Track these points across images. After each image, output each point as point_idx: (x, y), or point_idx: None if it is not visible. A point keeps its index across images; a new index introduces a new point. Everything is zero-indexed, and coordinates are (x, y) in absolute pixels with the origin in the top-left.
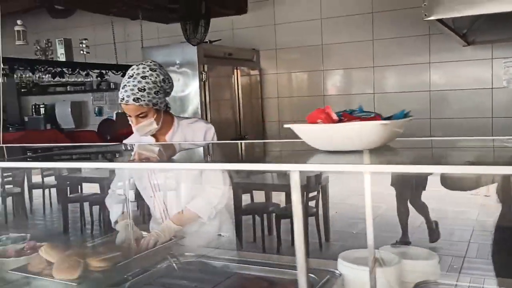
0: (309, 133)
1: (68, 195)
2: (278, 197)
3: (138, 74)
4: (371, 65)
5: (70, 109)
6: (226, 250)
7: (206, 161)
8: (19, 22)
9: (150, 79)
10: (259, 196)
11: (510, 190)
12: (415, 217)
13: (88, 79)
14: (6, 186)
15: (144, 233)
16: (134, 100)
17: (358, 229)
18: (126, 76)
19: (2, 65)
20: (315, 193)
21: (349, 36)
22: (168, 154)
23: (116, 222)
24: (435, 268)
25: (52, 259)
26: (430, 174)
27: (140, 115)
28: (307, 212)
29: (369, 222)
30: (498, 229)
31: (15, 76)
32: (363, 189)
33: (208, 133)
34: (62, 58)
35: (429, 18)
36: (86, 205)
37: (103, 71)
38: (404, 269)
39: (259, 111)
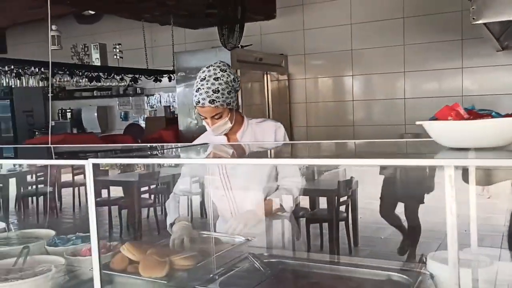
0: (445, 129)
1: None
2: (303, 202)
3: (210, 76)
4: (402, 70)
5: (96, 114)
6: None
7: (317, 157)
8: (53, 27)
9: (222, 79)
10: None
11: None
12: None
13: (122, 84)
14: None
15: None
16: (210, 102)
17: (386, 235)
18: (198, 79)
19: (50, 69)
20: (345, 198)
21: (380, 42)
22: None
23: (172, 224)
24: None
25: (134, 257)
26: None
27: (215, 116)
28: (338, 217)
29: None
30: None
31: (53, 80)
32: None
33: (278, 131)
34: (97, 62)
35: (477, 22)
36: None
37: (137, 76)
38: (495, 271)
39: (287, 116)
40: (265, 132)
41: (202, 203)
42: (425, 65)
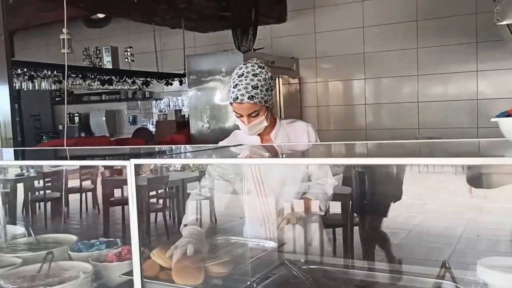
0: None
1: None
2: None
3: (248, 72)
4: (415, 73)
5: (104, 118)
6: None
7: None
8: (64, 30)
9: (261, 76)
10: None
11: None
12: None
13: (134, 87)
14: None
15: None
16: (249, 98)
17: (399, 239)
18: (235, 75)
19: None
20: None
21: (393, 45)
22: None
23: (185, 226)
24: None
25: (165, 263)
26: None
27: (252, 114)
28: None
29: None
30: None
31: (66, 83)
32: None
33: (311, 131)
34: (108, 65)
35: (502, 23)
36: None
37: (148, 79)
38: None
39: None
40: (297, 132)
41: (229, 207)
42: (439, 68)
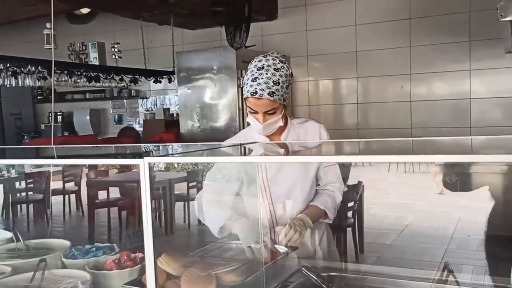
0: None
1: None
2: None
3: (269, 66)
4: (408, 72)
5: (89, 117)
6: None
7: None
8: (48, 25)
9: (282, 71)
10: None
11: None
12: None
13: (121, 85)
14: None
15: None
16: (269, 94)
17: (391, 240)
18: (254, 68)
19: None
20: (352, 203)
21: (385, 43)
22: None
23: (221, 228)
24: None
25: (174, 271)
26: None
27: (270, 111)
28: (346, 223)
29: None
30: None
31: (53, 79)
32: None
33: (323, 132)
34: (95, 62)
35: (505, 19)
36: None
37: (137, 76)
38: None
39: None
40: (308, 133)
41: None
42: (431, 67)
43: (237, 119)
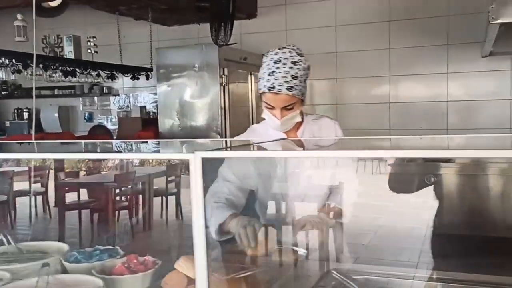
0: None
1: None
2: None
3: (286, 59)
4: (387, 74)
5: (57, 114)
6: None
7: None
8: (19, 16)
9: (300, 65)
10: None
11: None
12: None
13: (98, 80)
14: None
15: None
16: (287, 89)
17: (367, 241)
18: (270, 61)
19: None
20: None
21: (365, 45)
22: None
23: (221, 225)
24: None
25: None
26: None
27: (288, 106)
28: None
29: None
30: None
31: (25, 73)
32: None
33: (338, 129)
34: (70, 56)
35: (496, 21)
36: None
37: (114, 72)
38: None
39: None
40: (322, 130)
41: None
42: (410, 69)
43: (219, 118)
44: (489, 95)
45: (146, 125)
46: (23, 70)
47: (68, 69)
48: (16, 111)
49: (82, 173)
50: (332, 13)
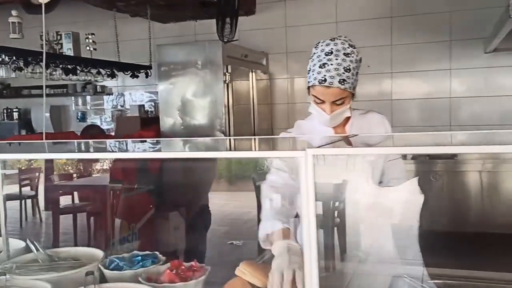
0: None
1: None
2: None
3: (338, 50)
4: (389, 70)
5: (49, 114)
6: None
7: None
8: (14, 12)
9: (353, 57)
10: None
11: None
12: None
13: (97, 78)
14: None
15: None
16: (339, 82)
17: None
18: (321, 53)
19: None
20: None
21: (366, 41)
22: None
23: (267, 236)
24: None
25: (260, 282)
26: None
27: (338, 101)
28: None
29: None
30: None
31: (25, 71)
32: None
33: (387, 124)
34: (70, 53)
35: None
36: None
37: (114, 70)
38: None
39: (269, 117)
40: (372, 124)
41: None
42: (412, 66)
43: (223, 117)
44: (493, 91)
45: (145, 124)
46: (24, 67)
47: (69, 66)
48: (5, 111)
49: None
50: (332, 9)
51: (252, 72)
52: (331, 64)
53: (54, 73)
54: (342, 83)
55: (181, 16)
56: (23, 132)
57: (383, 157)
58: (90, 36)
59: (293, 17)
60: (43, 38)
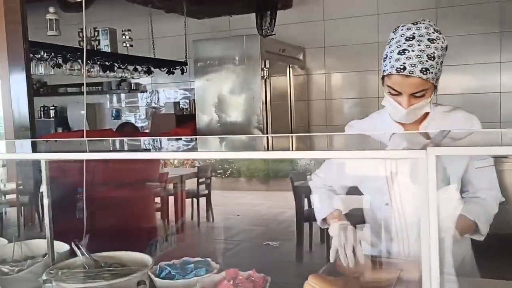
0: None
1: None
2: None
3: (422, 35)
4: None
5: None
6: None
7: None
8: (51, 9)
9: (438, 44)
10: None
11: None
12: None
13: (135, 75)
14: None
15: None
16: (421, 71)
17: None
18: (401, 38)
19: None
20: None
21: None
22: None
23: (325, 220)
24: None
25: None
26: None
27: (418, 93)
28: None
29: None
30: None
31: (63, 67)
32: None
33: (476, 124)
34: (107, 49)
35: None
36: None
37: (151, 67)
38: None
39: (305, 114)
40: (455, 125)
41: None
42: (460, 59)
43: (261, 113)
44: None
45: (181, 122)
46: (62, 64)
47: (107, 63)
48: (42, 109)
49: None
50: (373, 1)
51: (289, 67)
52: (413, 51)
53: (92, 69)
54: (425, 73)
55: (216, 11)
56: (59, 130)
57: (465, 163)
58: (126, 33)
59: (331, 10)
60: (82, 34)
